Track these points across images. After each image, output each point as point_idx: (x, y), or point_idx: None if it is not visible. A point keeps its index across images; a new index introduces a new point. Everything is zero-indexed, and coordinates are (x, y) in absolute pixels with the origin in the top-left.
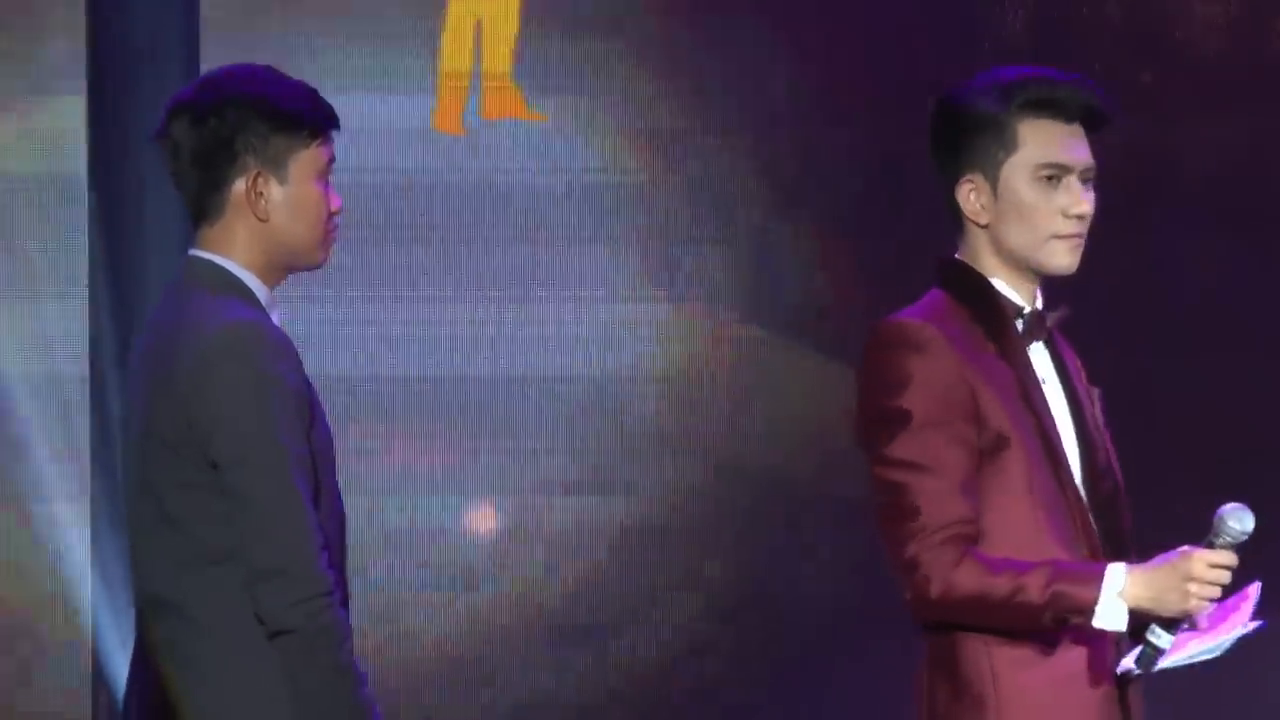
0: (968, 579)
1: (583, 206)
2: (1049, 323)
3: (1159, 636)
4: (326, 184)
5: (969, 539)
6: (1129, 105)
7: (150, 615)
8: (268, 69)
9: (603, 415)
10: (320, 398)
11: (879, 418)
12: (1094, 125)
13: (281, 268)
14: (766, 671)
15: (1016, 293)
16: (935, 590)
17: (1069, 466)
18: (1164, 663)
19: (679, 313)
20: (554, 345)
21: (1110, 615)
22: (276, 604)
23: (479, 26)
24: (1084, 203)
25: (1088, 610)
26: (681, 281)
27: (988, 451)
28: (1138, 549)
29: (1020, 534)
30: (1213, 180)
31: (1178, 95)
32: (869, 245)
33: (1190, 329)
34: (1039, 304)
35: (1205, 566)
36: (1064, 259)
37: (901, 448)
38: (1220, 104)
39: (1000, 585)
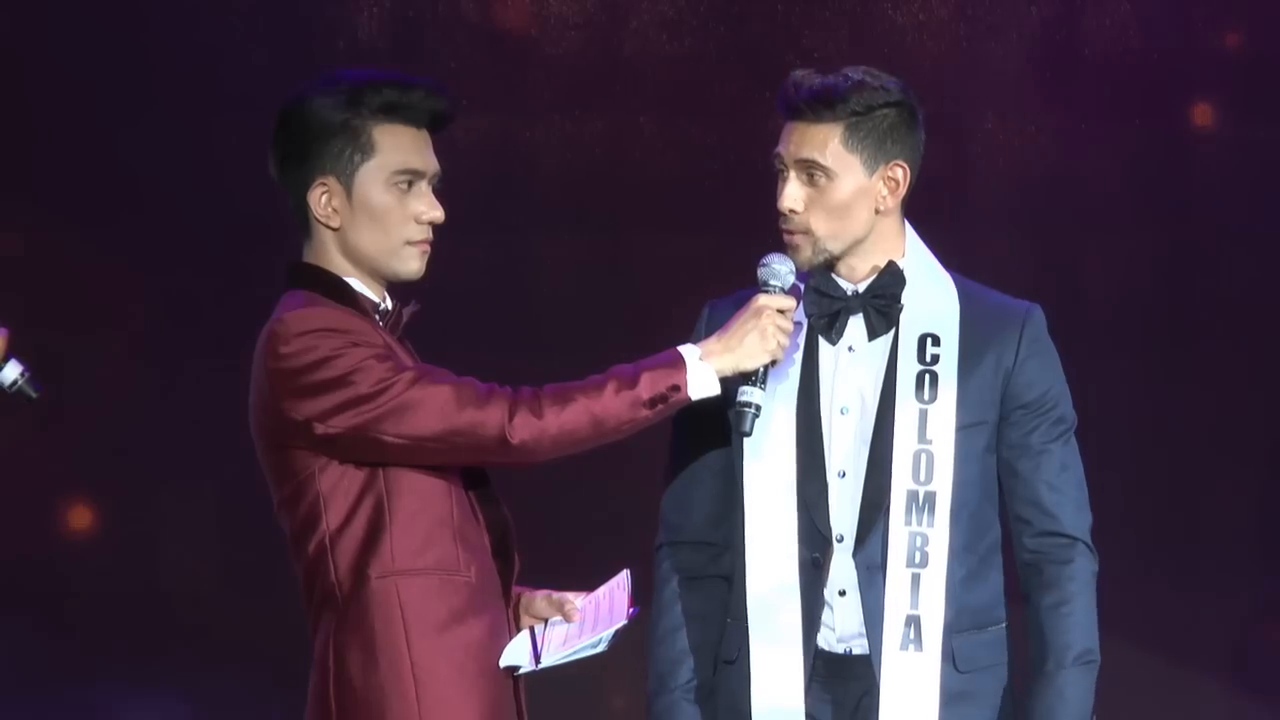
0: (558, 404)
1: None
2: (404, 319)
3: (750, 394)
4: None
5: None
6: (485, 103)
7: None
8: None
9: None
10: None
11: (321, 385)
12: (439, 129)
13: None
14: None
15: (371, 292)
16: (528, 430)
17: None
18: (547, 660)
19: None
20: None
21: (702, 382)
22: None
23: None
24: (437, 209)
25: (681, 383)
26: None
27: None
28: None
29: (432, 506)
30: (568, 179)
31: (536, 93)
32: None
33: (548, 328)
34: (388, 303)
35: (772, 309)
36: (414, 264)
37: (377, 371)
38: (577, 102)
39: (595, 395)
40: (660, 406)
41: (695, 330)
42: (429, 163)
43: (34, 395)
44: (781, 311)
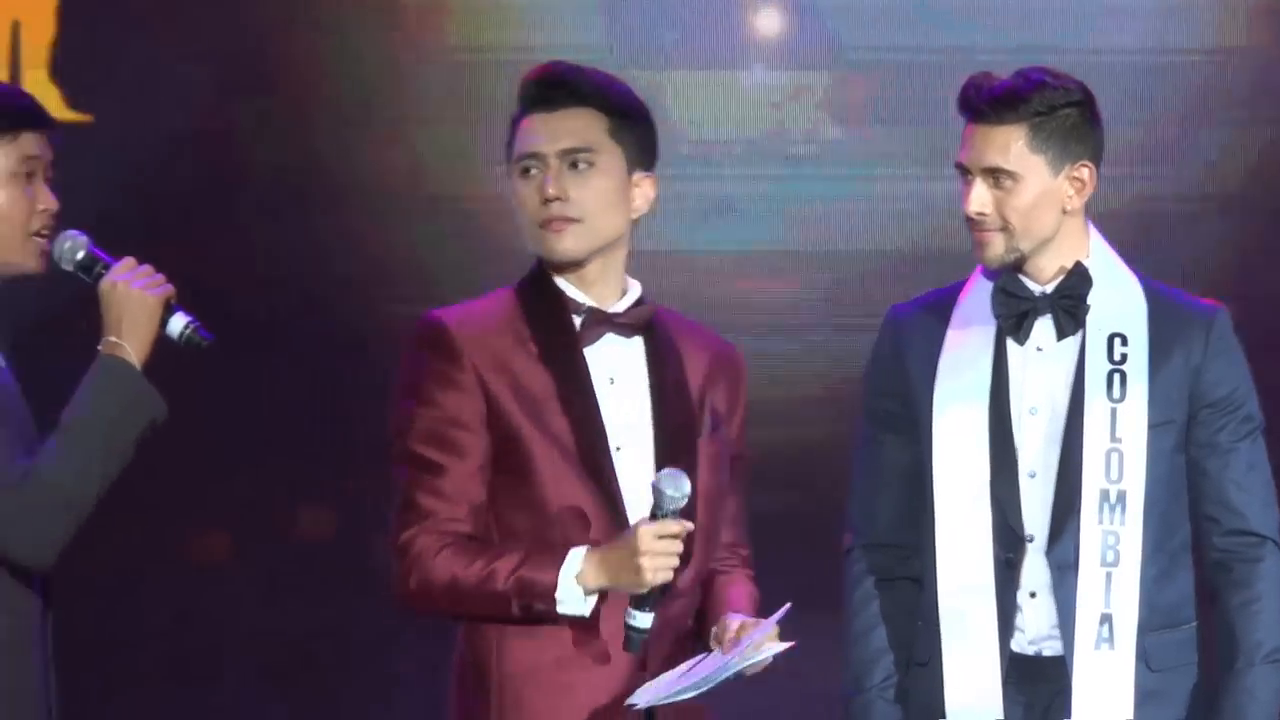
0: (443, 567)
1: None
2: (624, 319)
3: (634, 617)
4: (30, 183)
5: (458, 530)
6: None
7: None
8: None
9: None
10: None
11: (396, 412)
12: (603, 106)
13: None
14: None
15: (580, 290)
16: (413, 582)
17: (610, 471)
18: (656, 700)
19: None
20: None
21: (571, 600)
22: None
23: (16, 27)
24: (548, 188)
25: (549, 596)
26: None
27: (500, 454)
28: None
29: (546, 531)
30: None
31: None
32: None
33: None
34: (632, 297)
35: (653, 538)
36: (552, 244)
37: (414, 441)
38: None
39: (472, 573)
40: (531, 614)
41: (879, 339)
42: (542, 144)
43: (203, 343)
44: (665, 536)
